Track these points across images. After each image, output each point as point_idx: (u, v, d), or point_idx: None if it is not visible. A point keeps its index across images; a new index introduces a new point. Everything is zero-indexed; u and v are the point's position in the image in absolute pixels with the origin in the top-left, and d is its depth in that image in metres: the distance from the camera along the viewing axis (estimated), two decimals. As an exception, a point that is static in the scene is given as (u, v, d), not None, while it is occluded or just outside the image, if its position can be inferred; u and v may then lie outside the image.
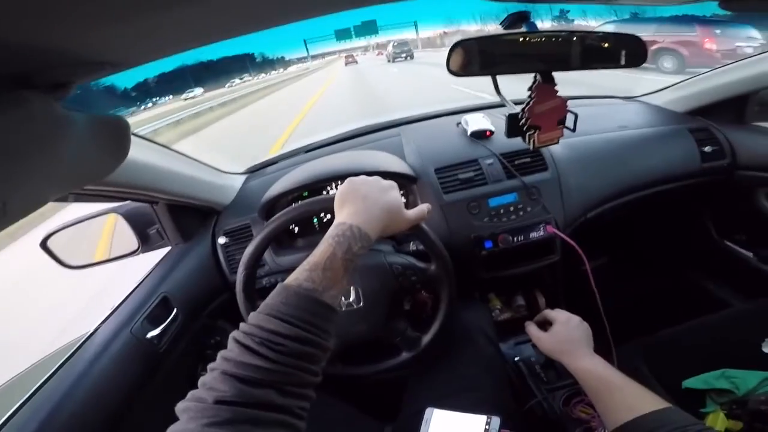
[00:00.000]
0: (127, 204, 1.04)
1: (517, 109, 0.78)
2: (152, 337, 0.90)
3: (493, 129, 1.21)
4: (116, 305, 0.95)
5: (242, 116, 14.39)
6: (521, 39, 0.70)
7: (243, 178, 1.31)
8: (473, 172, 1.12)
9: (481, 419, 0.73)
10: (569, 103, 0.78)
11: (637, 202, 1.24)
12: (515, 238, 1.09)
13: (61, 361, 0.80)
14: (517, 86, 0.84)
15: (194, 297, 1.06)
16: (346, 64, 41.28)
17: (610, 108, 1.52)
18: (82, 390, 0.76)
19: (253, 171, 1.37)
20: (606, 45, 0.74)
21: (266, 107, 15.85)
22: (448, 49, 0.71)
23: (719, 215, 1.43)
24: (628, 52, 0.74)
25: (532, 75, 0.76)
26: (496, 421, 0.72)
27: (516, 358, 1.02)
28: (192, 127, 12.99)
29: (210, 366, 0.42)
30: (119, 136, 0.48)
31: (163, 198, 0.98)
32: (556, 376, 0.94)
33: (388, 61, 28.98)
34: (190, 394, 0.41)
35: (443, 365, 0.92)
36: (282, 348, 0.42)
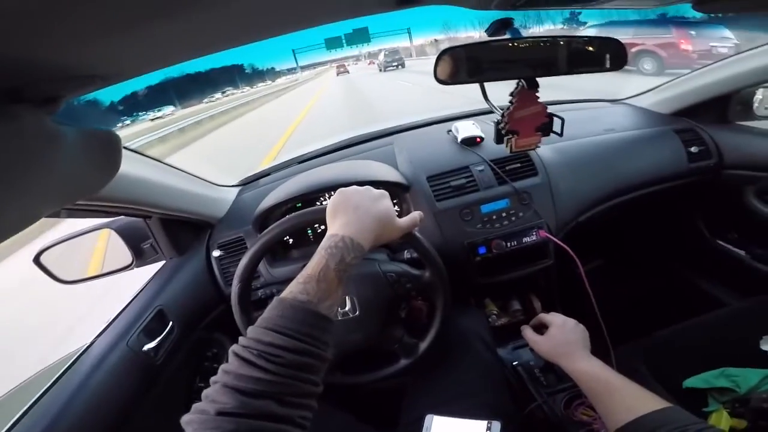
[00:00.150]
0: (120, 219, 1.03)
1: (504, 115, 0.79)
2: (148, 350, 0.90)
3: (482, 136, 1.22)
4: (111, 319, 0.94)
5: (210, 140, 13.23)
6: (507, 45, 0.71)
7: (236, 190, 1.31)
8: (465, 179, 1.13)
9: (481, 424, 0.73)
10: (556, 107, 0.79)
11: (627, 205, 1.25)
12: (508, 244, 1.10)
13: (57, 375, 0.80)
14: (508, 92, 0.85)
15: (190, 310, 1.06)
16: (337, 74, 41.55)
17: (597, 111, 1.54)
18: (80, 403, 0.76)
19: (246, 183, 1.37)
20: (590, 49, 0.76)
21: (247, 125, 15.15)
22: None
23: (710, 215, 1.45)
24: (611, 55, 0.75)
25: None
26: (496, 425, 0.72)
27: (515, 363, 1.02)
28: (166, 148, 12.77)
29: (212, 379, 0.43)
30: (111, 151, 0.48)
31: (157, 212, 0.97)
32: (555, 379, 0.94)
33: (380, 70, 29.12)
34: (194, 406, 0.42)
35: (441, 372, 0.92)
36: (280, 359, 0.43)
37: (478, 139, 1.22)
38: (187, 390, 1.02)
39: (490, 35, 0.73)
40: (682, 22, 7.26)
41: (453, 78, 0.72)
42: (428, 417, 0.76)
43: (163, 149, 12.40)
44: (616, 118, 1.43)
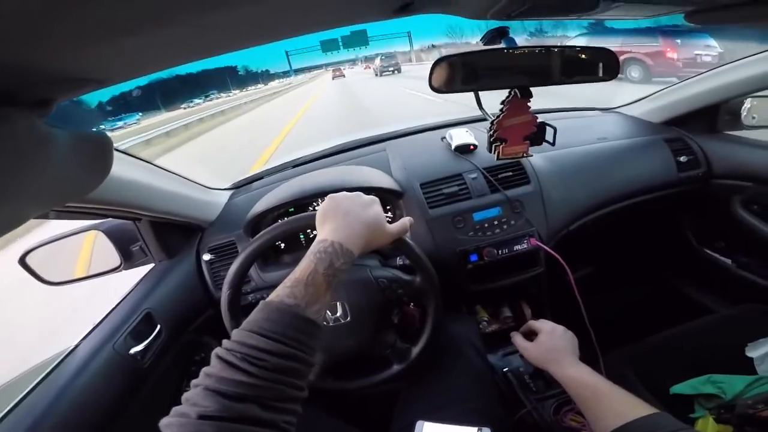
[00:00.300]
0: (109, 221, 1.02)
1: (496, 123, 0.80)
2: (135, 353, 0.89)
3: (476, 143, 1.23)
4: (98, 321, 0.94)
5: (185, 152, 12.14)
6: (502, 55, 0.72)
7: (228, 193, 1.30)
8: (457, 186, 1.13)
9: (472, 431, 0.72)
10: (548, 115, 0.80)
11: (618, 213, 1.26)
12: (500, 251, 1.10)
13: (41, 377, 0.79)
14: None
15: (178, 313, 1.05)
16: (333, 77, 41.45)
17: (589, 120, 1.56)
18: (64, 405, 0.75)
19: (239, 187, 1.36)
20: (583, 58, 0.77)
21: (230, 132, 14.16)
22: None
23: (698, 224, 1.46)
24: (604, 64, 0.76)
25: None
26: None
27: (505, 369, 1.02)
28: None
29: (193, 382, 0.43)
30: (102, 153, 0.48)
31: (146, 215, 0.97)
32: (545, 385, 0.94)
33: (376, 75, 29.15)
34: (174, 410, 0.41)
35: (433, 378, 0.92)
36: (264, 363, 0.43)
37: (472, 147, 1.23)
38: (175, 394, 1.01)
39: (485, 44, 0.74)
40: (669, 31, 7.40)
41: (448, 86, 0.73)
42: (419, 423, 0.75)
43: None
44: (607, 126, 1.45)
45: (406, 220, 0.72)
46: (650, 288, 1.68)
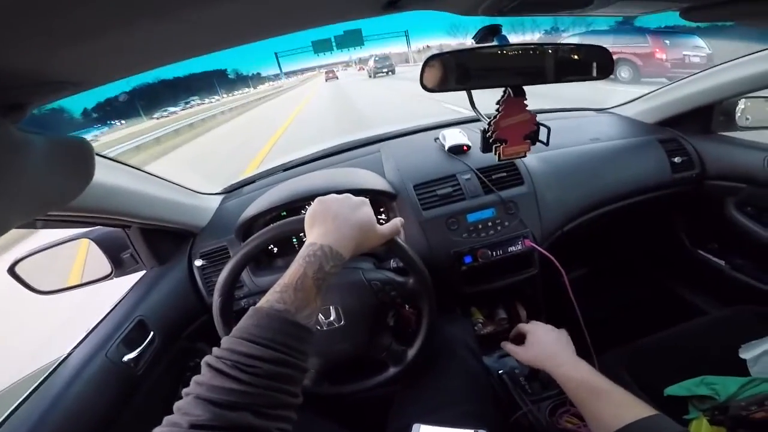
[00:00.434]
0: (99, 228, 1.01)
1: (491, 123, 0.79)
2: (128, 361, 0.89)
3: (469, 144, 1.22)
4: (90, 329, 0.93)
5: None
6: (495, 53, 0.71)
7: (219, 198, 1.29)
8: (451, 187, 1.13)
9: None
10: (542, 116, 0.80)
11: (612, 214, 1.26)
12: (494, 253, 1.10)
13: (33, 386, 0.78)
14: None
15: (171, 320, 1.04)
16: (326, 79, 41.33)
17: (583, 120, 1.56)
18: (57, 415, 0.74)
19: (230, 191, 1.35)
20: (577, 57, 0.76)
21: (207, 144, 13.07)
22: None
23: (691, 225, 1.47)
24: (598, 63, 0.76)
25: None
26: None
27: (500, 371, 1.02)
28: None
29: (184, 391, 0.42)
30: (83, 159, 0.47)
31: (136, 222, 0.96)
32: (540, 387, 0.94)
33: (369, 76, 29.18)
34: (166, 419, 0.40)
35: (428, 380, 0.91)
36: (255, 370, 0.42)
37: (465, 148, 1.22)
38: (170, 400, 0.98)
39: (477, 42, 0.73)
40: (658, 32, 7.51)
41: (440, 85, 0.72)
42: (415, 426, 0.75)
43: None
44: (601, 127, 1.45)
45: (397, 221, 0.71)
46: (644, 289, 1.68)
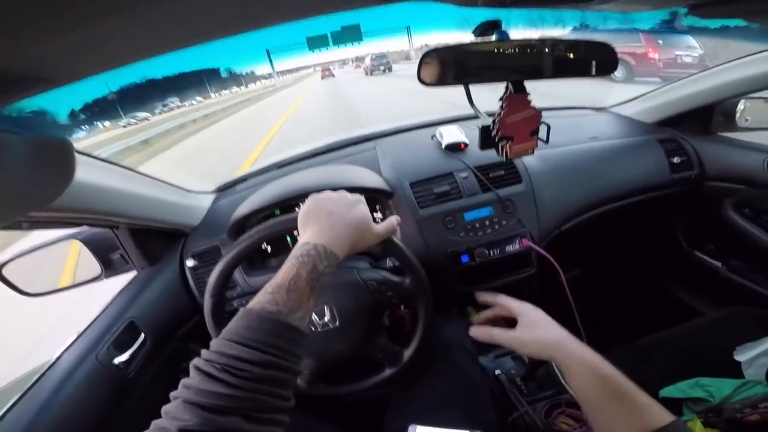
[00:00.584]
0: (87, 229, 1.00)
1: (490, 120, 0.77)
2: (120, 363, 0.87)
3: (467, 141, 1.21)
4: (80, 331, 0.91)
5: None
6: (494, 48, 0.69)
7: (211, 197, 1.27)
8: (448, 185, 1.12)
9: None
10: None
11: (610, 214, 1.25)
12: (491, 252, 1.09)
13: (23, 391, 0.77)
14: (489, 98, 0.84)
15: (163, 321, 1.03)
16: (322, 77, 41.15)
17: (582, 119, 1.55)
18: (47, 419, 0.73)
19: (223, 189, 1.34)
20: (578, 53, 0.74)
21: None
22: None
23: (689, 226, 1.46)
24: (599, 60, 0.74)
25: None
26: None
27: (496, 372, 1.01)
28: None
29: (172, 394, 0.41)
30: (63, 159, 0.45)
31: (124, 222, 0.94)
32: (536, 387, 0.94)
33: (366, 74, 29.14)
34: (154, 423, 0.39)
35: (424, 381, 0.91)
36: (245, 373, 0.41)
37: (463, 145, 1.21)
38: (163, 404, 0.98)
39: (476, 36, 0.71)
40: (651, 31, 7.61)
41: (438, 80, 0.70)
42: (411, 427, 0.75)
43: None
44: (600, 126, 1.44)
45: (393, 220, 0.70)
46: (640, 289, 1.68)
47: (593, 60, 0.74)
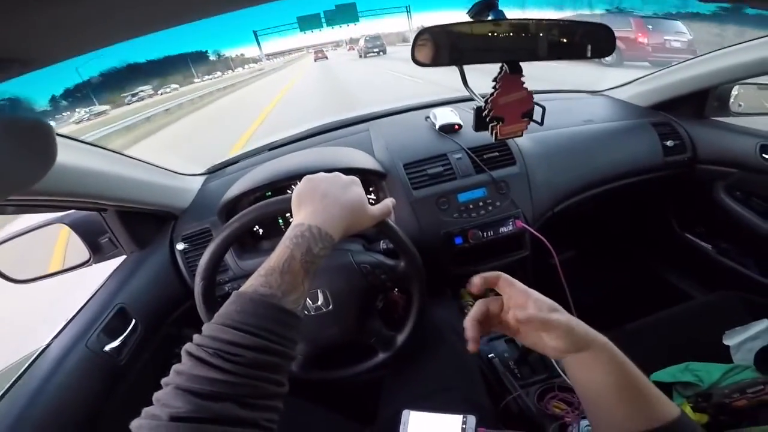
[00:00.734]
0: (73, 213, 0.97)
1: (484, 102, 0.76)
2: (111, 350, 0.87)
3: (461, 123, 1.20)
4: (69, 318, 0.90)
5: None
6: (491, 28, 0.68)
7: (201, 179, 1.26)
8: (442, 166, 1.11)
9: (457, 419, 0.73)
10: (536, 96, 0.77)
11: (603, 196, 1.26)
12: (485, 234, 1.09)
13: (12, 380, 0.76)
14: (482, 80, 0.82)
15: (154, 306, 1.02)
16: (315, 59, 40.40)
17: (576, 102, 1.55)
18: (37, 410, 0.72)
19: (213, 172, 1.32)
20: (575, 35, 0.73)
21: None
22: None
23: (681, 208, 1.48)
24: (596, 42, 0.72)
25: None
26: (472, 420, 0.72)
27: (490, 355, 1.02)
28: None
29: (163, 381, 0.40)
30: (42, 141, 0.43)
31: (111, 205, 0.92)
32: (529, 371, 0.94)
33: (360, 56, 28.70)
34: (145, 410, 0.38)
35: (418, 366, 0.91)
36: (238, 359, 0.40)
37: (457, 126, 1.20)
38: (157, 390, 0.98)
39: (472, 16, 0.69)
40: (641, 17, 7.66)
41: (432, 60, 0.68)
42: (405, 412, 0.76)
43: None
44: (594, 109, 1.44)
45: (388, 201, 0.68)
46: (631, 272, 1.70)
47: (590, 42, 0.72)
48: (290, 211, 0.62)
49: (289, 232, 0.53)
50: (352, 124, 1.44)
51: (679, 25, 7.37)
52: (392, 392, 0.91)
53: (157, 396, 0.39)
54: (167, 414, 0.36)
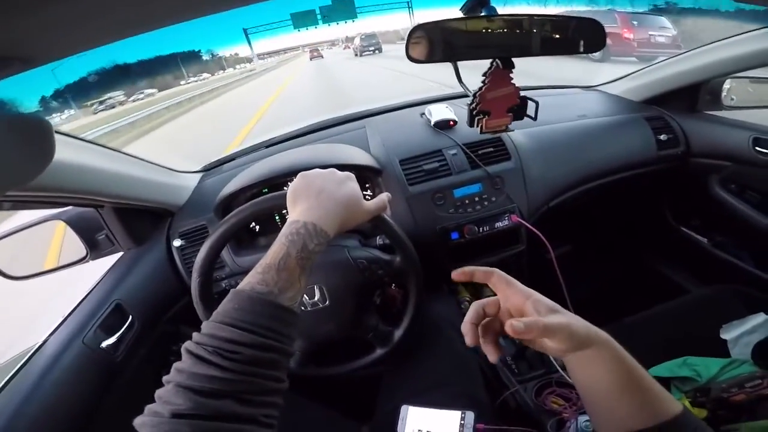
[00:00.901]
0: (71, 209, 0.98)
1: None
2: (107, 347, 0.87)
3: (456, 119, 1.21)
4: (66, 315, 0.90)
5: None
6: (482, 24, 0.68)
7: (198, 176, 1.26)
8: (437, 162, 1.11)
9: (455, 414, 0.73)
10: (530, 92, 0.78)
11: (597, 190, 1.27)
12: (481, 229, 1.09)
13: (8, 377, 0.76)
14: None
15: (151, 303, 1.02)
16: (311, 58, 40.15)
17: (570, 97, 1.55)
18: (33, 406, 0.72)
19: (209, 169, 1.32)
20: (566, 31, 0.74)
21: None
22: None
23: (675, 202, 1.49)
24: (587, 37, 0.73)
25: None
26: (470, 415, 0.73)
27: None
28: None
29: (165, 378, 0.40)
30: (40, 139, 0.43)
31: (108, 201, 0.92)
32: (527, 367, 0.94)
33: (356, 55, 28.61)
34: (147, 408, 0.39)
35: (416, 361, 0.92)
36: (237, 356, 0.40)
37: (452, 123, 1.20)
38: (153, 387, 0.98)
39: (465, 13, 0.70)
40: (626, 13, 7.85)
41: (426, 56, 0.70)
42: (404, 407, 0.77)
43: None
44: (588, 104, 1.44)
45: (384, 197, 0.68)
46: (626, 266, 1.71)
47: (581, 38, 0.73)
48: (286, 208, 0.62)
49: (285, 230, 0.53)
50: (349, 121, 1.44)
51: (663, 20, 7.55)
52: (391, 388, 0.92)
53: (158, 393, 0.40)
54: (169, 411, 0.37)
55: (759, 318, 0.93)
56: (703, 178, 1.29)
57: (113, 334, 0.89)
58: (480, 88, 0.74)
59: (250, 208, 0.74)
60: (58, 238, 1.02)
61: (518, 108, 0.79)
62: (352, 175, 0.65)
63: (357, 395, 0.97)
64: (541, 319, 0.47)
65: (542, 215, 1.18)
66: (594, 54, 7.61)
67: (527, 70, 0.83)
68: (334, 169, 0.64)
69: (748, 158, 1.14)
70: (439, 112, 1.22)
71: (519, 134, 1.20)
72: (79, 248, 0.99)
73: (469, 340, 0.50)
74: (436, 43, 0.69)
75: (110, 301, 0.92)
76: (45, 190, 0.72)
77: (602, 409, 0.50)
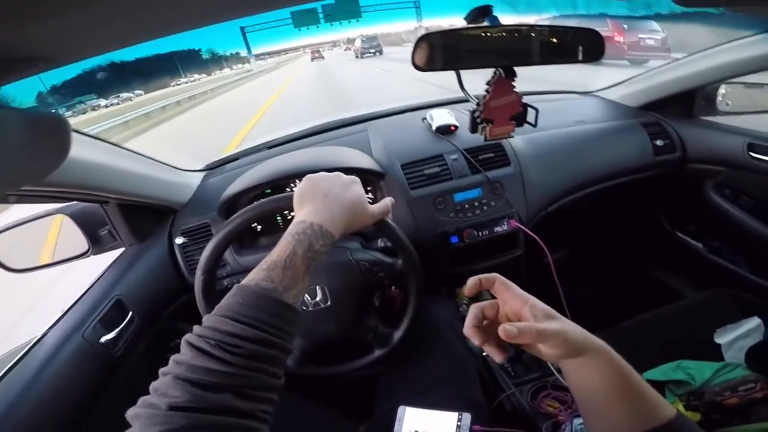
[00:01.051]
0: (75, 204, 0.98)
1: (480, 104, 0.78)
2: (107, 342, 0.87)
3: (457, 124, 1.22)
4: (66, 309, 0.90)
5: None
6: (484, 34, 0.70)
7: (201, 175, 1.26)
8: (438, 167, 1.12)
9: (452, 416, 0.74)
10: (529, 98, 0.80)
11: (595, 195, 1.28)
12: (480, 233, 1.11)
13: (5, 369, 0.76)
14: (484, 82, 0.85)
15: (151, 299, 1.02)
16: (312, 59, 39.96)
17: (568, 103, 1.57)
18: (31, 399, 0.72)
19: (212, 168, 1.32)
20: (565, 39, 0.75)
21: None
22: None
23: (672, 207, 1.50)
24: (586, 46, 0.75)
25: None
26: (467, 417, 0.73)
27: (484, 353, 1.02)
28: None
29: (161, 370, 0.40)
30: (58, 135, 0.44)
31: (113, 198, 0.92)
32: (523, 369, 0.95)
33: (356, 56, 28.60)
34: (141, 400, 0.38)
35: (414, 362, 0.92)
36: (239, 350, 0.40)
37: (453, 128, 1.22)
38: (150, 382, 0.98)
39: (468, 22, 0.72)
40: (617, 17, 7.90)
41: (430, 65, 0.71)
42: (401, 408, 0.77)
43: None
44: (586, 109, 1.46)
45: (387, 201, 0.70)
46: (623, 271, 1.72)
47: (580, 46, 0.75)
48: (290, 209, 0.63)
49: (291, 229, 0.54)
50: (351, 124, 1.45)
51: (653, 24, 7.64)
52: (388, 389, 0.92)
53: (154, 385, 0.39)
54: (166, 403, 0.36)
55: (753, 322, 0.94)
56: (698, 184, 1.30)
57: (113, 330, 0.89)
58: (484, 97, 0.76)
59: (256, 209, 0.75)
60: (54, 231, 1.03)
61: (519, 115, 0.81)
62: (358, 179, 0.66)
63: (355, 395, 0.97)
64: (535, 325, 0.47)
65: (540, 220, 1.19)
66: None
67: (525, 74, 0.84)
68: (340, 173, 0.65)
69: (743, 163, 1.16)
70: (441, 117, 1.24)
71: (518, 140, 1.21)
72: (81, 243, 1.00)
73: (477, 341, 0.50)
74: (439, 52, 0.71)
75: (111, 296, 0.92)
76: (53, 185, 0.73)
77: (597, 414, 0.50)
